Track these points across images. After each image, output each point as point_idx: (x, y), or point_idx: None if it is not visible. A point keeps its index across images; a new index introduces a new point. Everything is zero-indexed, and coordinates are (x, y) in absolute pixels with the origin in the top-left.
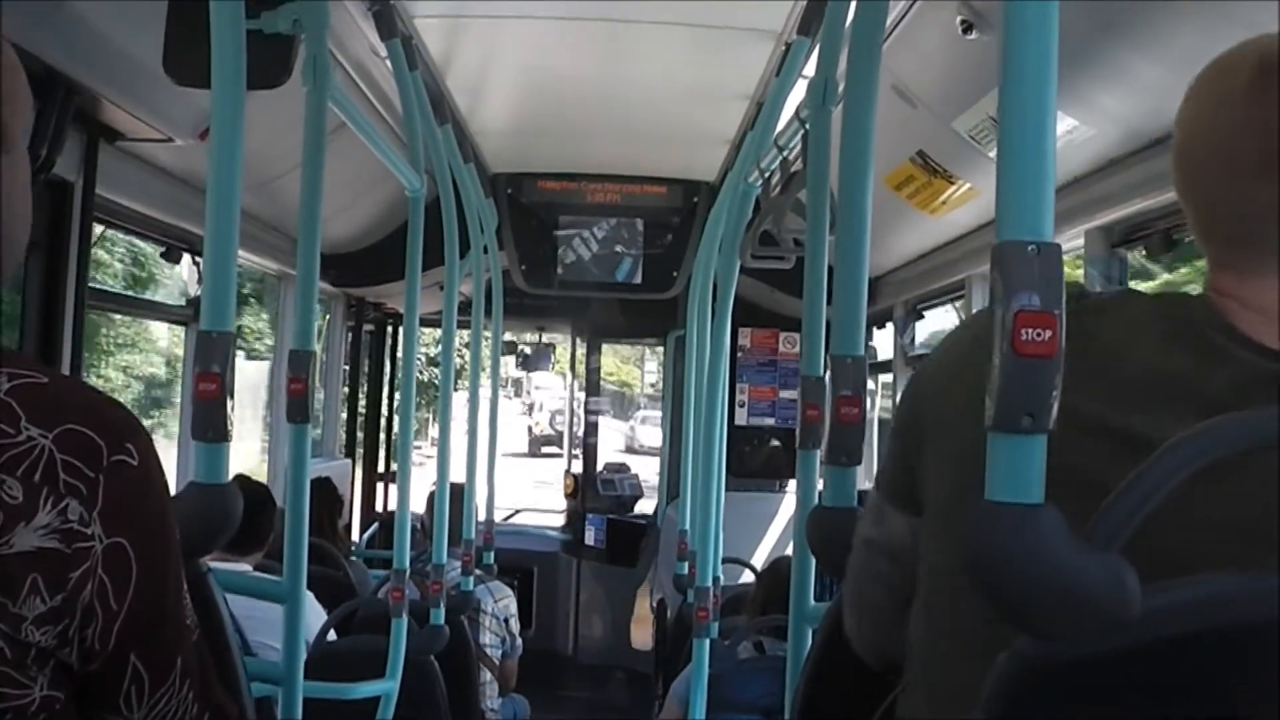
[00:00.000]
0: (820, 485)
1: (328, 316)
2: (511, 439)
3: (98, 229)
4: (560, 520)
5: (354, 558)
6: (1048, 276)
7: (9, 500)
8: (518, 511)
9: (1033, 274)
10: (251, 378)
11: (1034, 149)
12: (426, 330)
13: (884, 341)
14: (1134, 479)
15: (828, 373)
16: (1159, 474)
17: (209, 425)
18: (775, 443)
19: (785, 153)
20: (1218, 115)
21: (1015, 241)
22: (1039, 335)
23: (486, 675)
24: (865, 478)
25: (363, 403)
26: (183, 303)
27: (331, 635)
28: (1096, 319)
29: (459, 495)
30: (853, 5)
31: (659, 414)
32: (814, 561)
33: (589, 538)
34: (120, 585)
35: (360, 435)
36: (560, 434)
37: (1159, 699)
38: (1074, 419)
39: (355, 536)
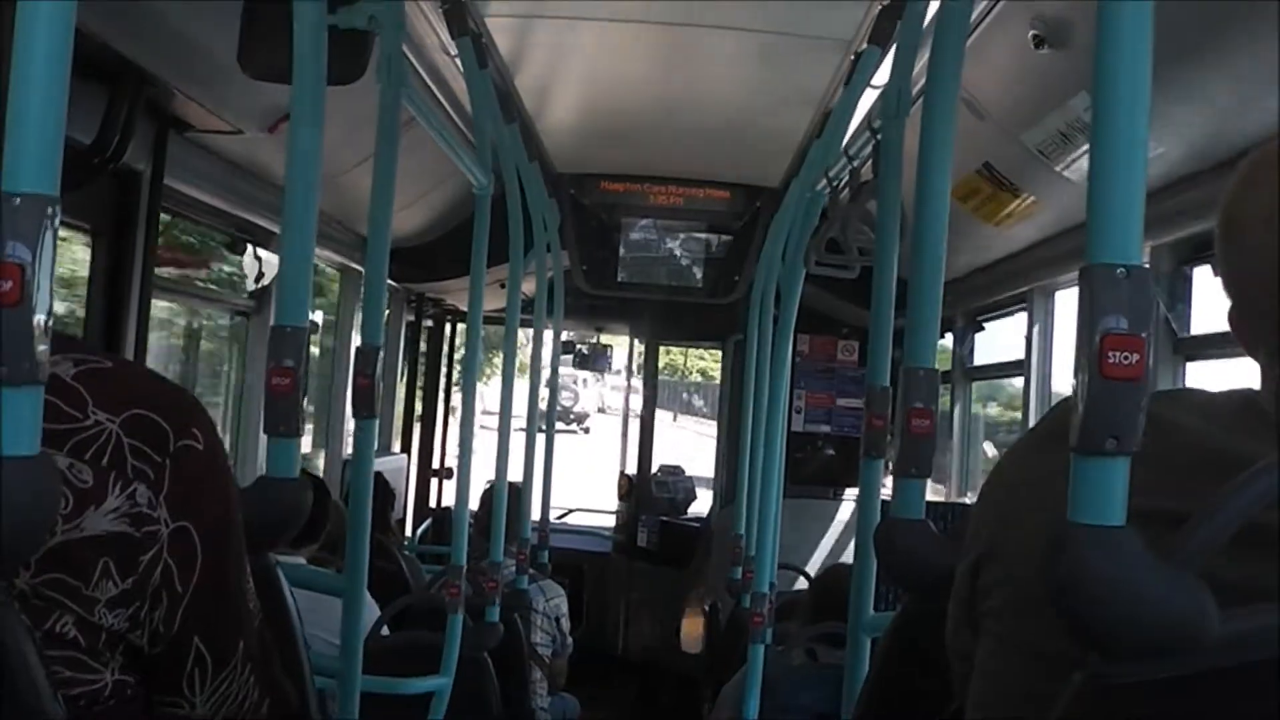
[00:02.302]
0: (883, 494)
1: (388, 312)
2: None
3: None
4: (613, 521)
5: (408, 552)
6: (1137, 299)
7: (79, 484)
8: (571, 511)
9: (1121, 297)
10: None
11: (1126, 172)
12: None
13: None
14: (1218, 502)
15: (893, 382)
16: (1244, 498)
17: (281, 420)
18: (830, 451)
19: (854, 161)
20: (1270, 199)
21: (1105, 264)
22: (1126, 358)
23: (537, 673)
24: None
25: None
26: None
27: (384, 630)
28: (1163, 405)
29: (514, 494)
30: (929, 16)
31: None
32: (875, 571)
33: (641, 539)
34: (185, 569)
35: (416, 430)
36: (566, 409)
37: None
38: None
39: (409, 531)
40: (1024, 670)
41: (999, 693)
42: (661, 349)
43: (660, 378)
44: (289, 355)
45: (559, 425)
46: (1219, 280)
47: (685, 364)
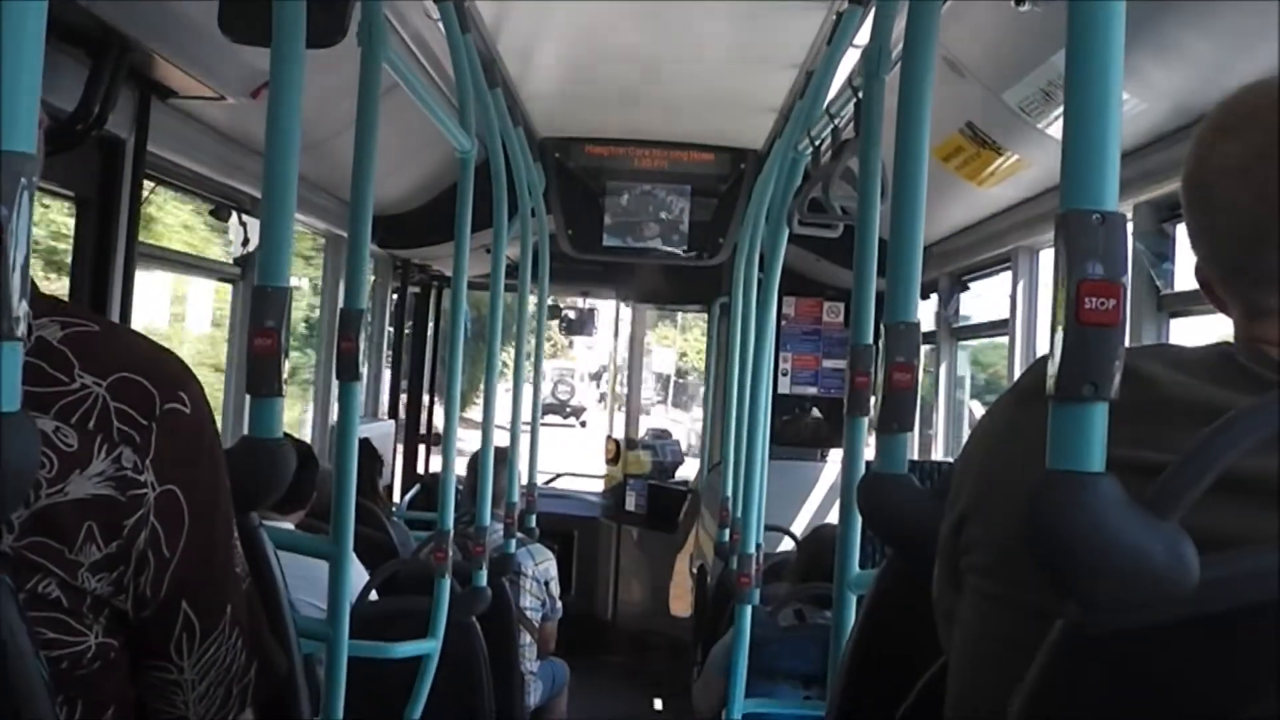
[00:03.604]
0: (868, 452)
1: (374, 278)
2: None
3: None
4: (601, 485)
5: (395, 518)
6: (1111, 246)
7: (64, 448)
8: (559, 475)
9: (1097, 243)
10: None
11: (1099, 118)
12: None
13: (927, 313)
14: (1196, 448)
15: (877, 340)
16: (1222, 443)
17: (264, 380)
18: (817, 412)
19: (836, 121)
20: (1243, 151)
21: (1079, 210)
22: (1103, 304)
23: (526, 638)
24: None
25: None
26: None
27: (373, 595)
28: (1139, 358)
29: (501, 458)
30: None
31: None
32: (859, 528)
33: (629, 503)
34: (172, 533)
35: (404, 396)
36: (562, 402)
37: (1211, 671)
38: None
39: (397, 498)
40: (1004, 623)
41: (980, 645)
42: None
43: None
44: (271, 316)
45: (556, 419)
46: (1187, 235)
47: None
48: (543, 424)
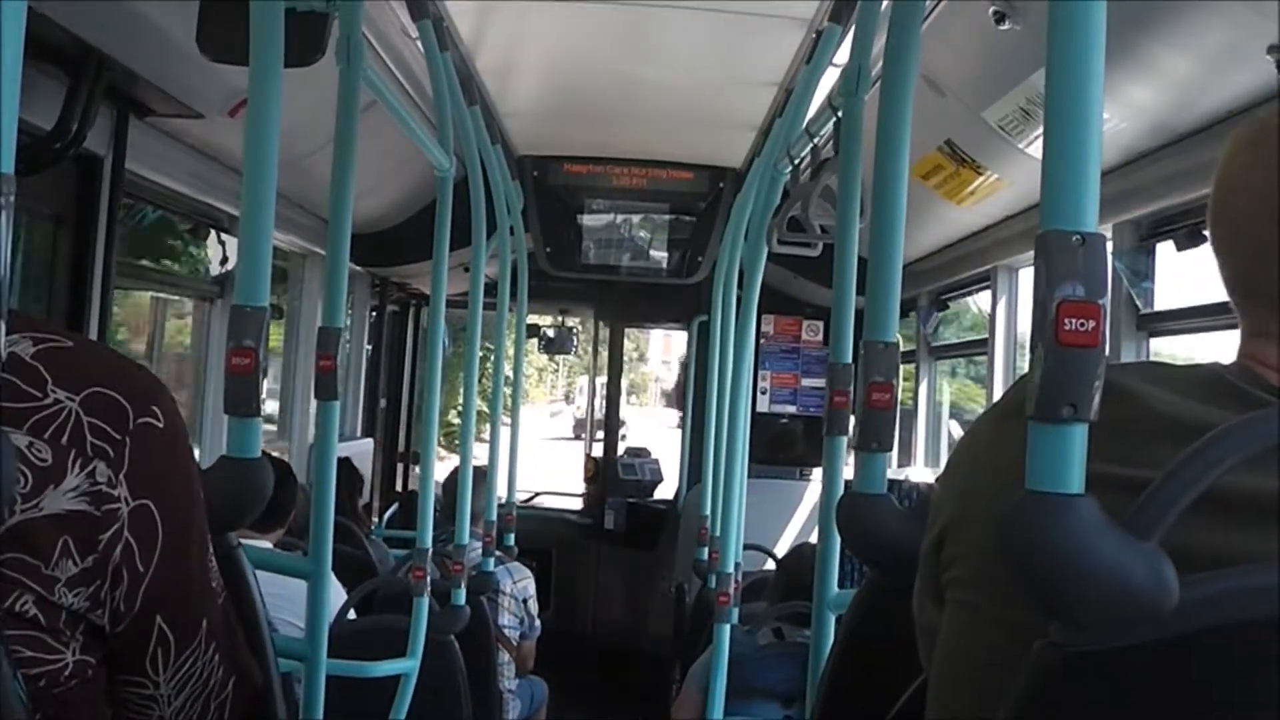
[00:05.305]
0: (847, 472)
1: (351, 296)
2: (558, 425)
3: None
4: (580, 503)
5: (374, 537)
6: (1091, 267)
7: (38, 463)
8: (538, 494)
9: (1076, 264)
10: None
11: (1079, 136)
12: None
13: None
14: (1175, 468)
15: (856, 359)
16: (1202, 464)
17: (241, 400)
18: (797, 429)
19: (815, 139)
20: (1259, 166)
21: (1059, 231)
22: (1082, 325)
23: (504, 656)
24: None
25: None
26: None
27: (351, 614)
28: (1125, 374)
29: (480, 477)
30: None
31: None
32: (838, 548)
33: (608, 521)
34: (146, 547)
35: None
36: (583, 421)
37: (1193, 690)
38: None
39: (375, 516)
40: (985, 637)
41: (961, 660)
42: None
43: None
44: (248, 335)
45: (578, 435)
46: (1212, 251)
47: None
48: (572, 439)
